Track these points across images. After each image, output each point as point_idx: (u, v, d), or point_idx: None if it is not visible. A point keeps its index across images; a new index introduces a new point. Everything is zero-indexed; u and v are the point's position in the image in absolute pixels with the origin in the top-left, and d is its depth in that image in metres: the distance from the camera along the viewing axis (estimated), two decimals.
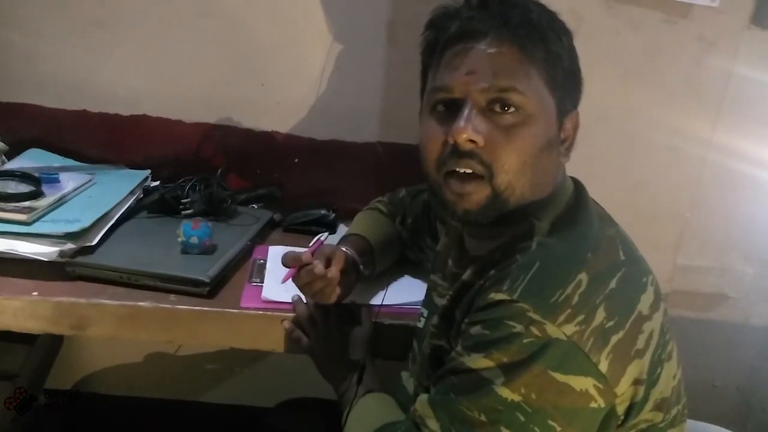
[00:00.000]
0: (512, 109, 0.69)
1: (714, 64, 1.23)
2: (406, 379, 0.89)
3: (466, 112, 0.69)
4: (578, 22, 0.73)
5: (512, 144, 0.69)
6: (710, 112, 1.26)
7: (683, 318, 1.46)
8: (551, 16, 0.73)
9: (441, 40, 0.73)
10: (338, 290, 0.92)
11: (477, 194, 0.70)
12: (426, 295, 0.92)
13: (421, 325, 0.89)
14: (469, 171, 0.70)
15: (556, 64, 0.71)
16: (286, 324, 0.97)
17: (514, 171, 0.69)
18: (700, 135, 1.28)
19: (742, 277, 1.45)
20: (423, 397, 0.70)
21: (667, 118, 1.26)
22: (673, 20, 1.19)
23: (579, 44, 0.76)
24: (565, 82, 0.73)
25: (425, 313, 0.89)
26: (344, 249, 0.97)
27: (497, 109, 0.69)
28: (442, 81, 0.72)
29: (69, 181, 1.19)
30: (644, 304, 0.69)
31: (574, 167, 0.79)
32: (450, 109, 0.71)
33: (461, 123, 0.68)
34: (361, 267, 0.98)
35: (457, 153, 0.69)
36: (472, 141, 0.68)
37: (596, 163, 1.23)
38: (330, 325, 0.95)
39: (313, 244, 0.97)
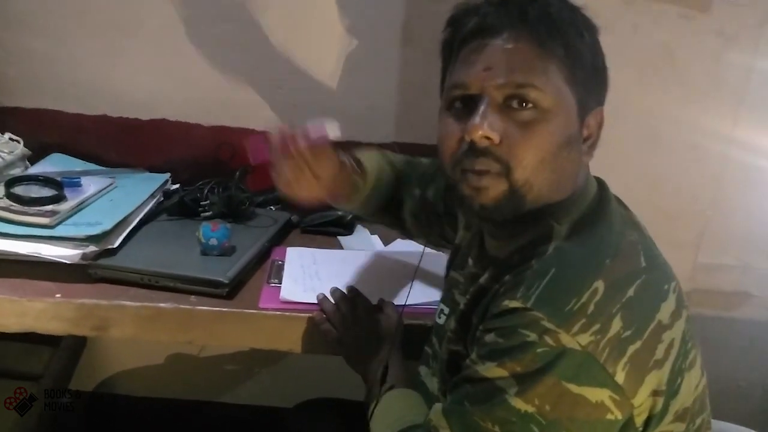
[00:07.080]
0: (530, 105, 0.67)
1: (734, 60, 1.21)
2: (425, 374, 0.88)
3: (482, 108, 0.67)
4: (595, 17, 0.72)
5: (530, 141, 0.67)
6: (731, 108, 1.24)
7: (705, 317, 1.43)
8: (573, 11, 0.71)
9: (458, 37, 0.72)
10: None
11: (494, 189, 0.68)
12: (446, 292, 0.90)
13: (441, 321, 0.87)
14: (485, 169, 0.68)
15: (577, 61, 0.69)
16: (317, 316, 0.98)
17: (532, 167, 0.67)
18: (720, 131, 1.25)
19: (765, 275, 1.42)
20: (437, 407, 0.69)
21: (686, 114, 1.24)
22: (691, 15, 1.17)
23: None
24: (587, 78, 0.71)
25: (446, 310, 0.88)
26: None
27: (514, 105, 0.67)
28: (458, 77, 0.71)
29: (91, 185, 1.21)
30: (664, 312, 0.66)
31: (592, 164, 0.78)
32: (467, 106, 0.70)
33: (477, 119, 0.67)
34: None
35: (474, 151, 0.68)
36: (488, 138, 0.67)
37: (615, 160, 1.21)
38: (358, 314, 0.95)
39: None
